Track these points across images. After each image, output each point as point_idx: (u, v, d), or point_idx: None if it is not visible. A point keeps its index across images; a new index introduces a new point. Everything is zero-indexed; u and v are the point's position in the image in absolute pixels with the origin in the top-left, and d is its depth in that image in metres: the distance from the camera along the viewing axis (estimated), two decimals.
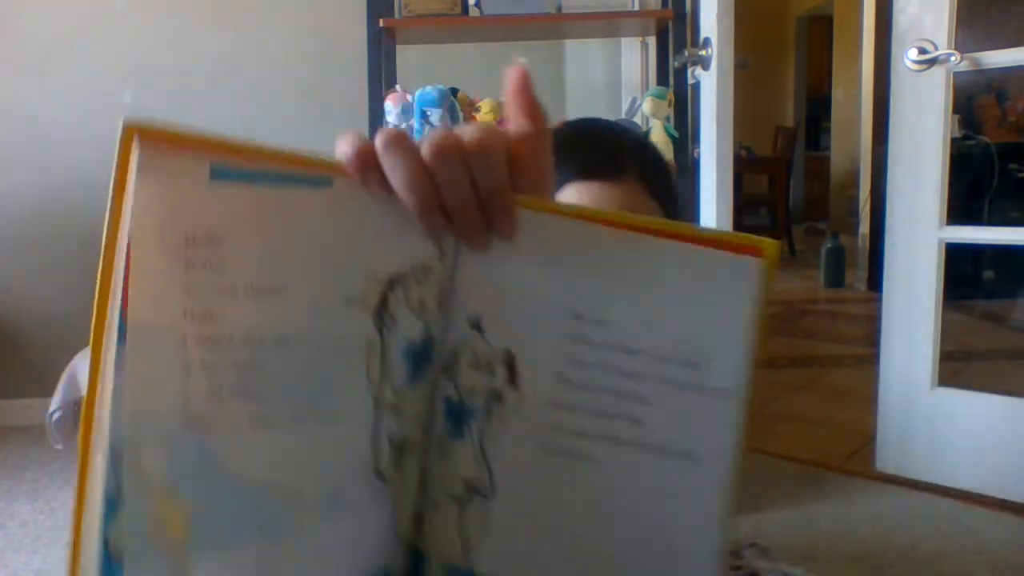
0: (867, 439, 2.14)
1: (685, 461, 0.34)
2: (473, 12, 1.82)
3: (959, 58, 1.76)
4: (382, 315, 0.32)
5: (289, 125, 2.55)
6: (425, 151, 0.32)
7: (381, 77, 1.83)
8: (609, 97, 2.49)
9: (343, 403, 0.32)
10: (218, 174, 0.30)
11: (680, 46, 1.80)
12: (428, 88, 1.75)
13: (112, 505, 0.30)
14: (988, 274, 4.19)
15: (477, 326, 0.34)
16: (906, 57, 1.82)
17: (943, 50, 1.78)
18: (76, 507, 0.31)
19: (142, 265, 0.29)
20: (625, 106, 2.01)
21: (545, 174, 0.36)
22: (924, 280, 1.88)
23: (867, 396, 2.15)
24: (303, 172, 0.31)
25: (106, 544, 0.30)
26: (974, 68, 1.81)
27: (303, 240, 0.31)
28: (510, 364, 0.34)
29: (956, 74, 1.81)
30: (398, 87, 1.81)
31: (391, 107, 1.75)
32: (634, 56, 2.41)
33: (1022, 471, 1.81)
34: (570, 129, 0.69)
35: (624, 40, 2.42)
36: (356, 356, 0.32)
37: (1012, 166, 3.74)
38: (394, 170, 0.32)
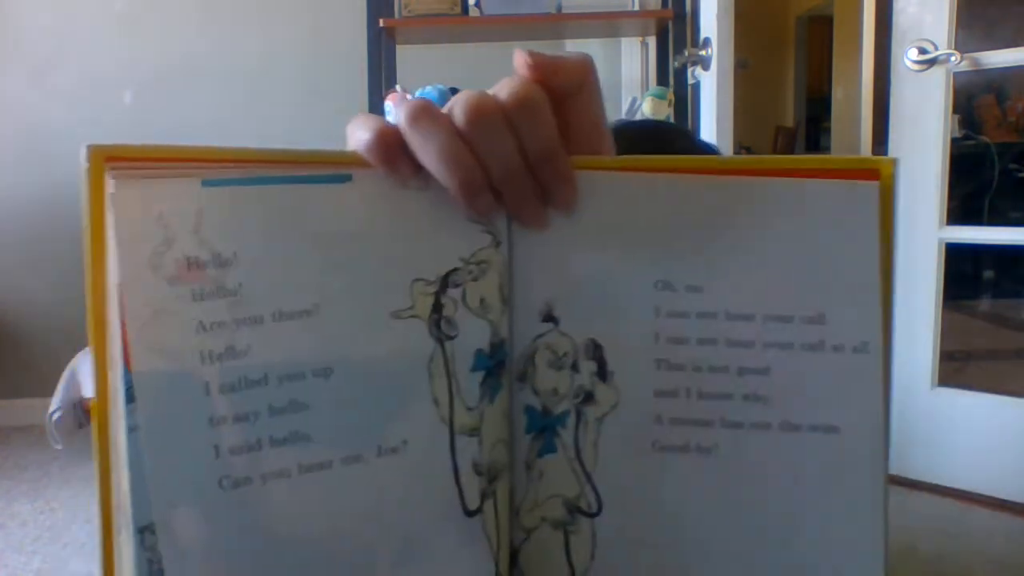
0: None
1: (827, 436, 0.28)
2: (473, 12, 1.82)
3: (959, 58, 1.76)
4: (439, 323, 0.28)
5: (289, 125, 2.55)
6: (459, 117, 0.27)
7: (381, 77, 1.83)
8: (609, 97, 2.49)
9: (407, 433, 0.28)
10: (212, 184, 0.25)
11: (680, 46, 1.80)
12: (428, 88, 1.74)
13: None
14: (988, 274, 4.19)
15: (551, 318, 0.29)
16: (906, 57, 1.82)
17: (943, 50, 1.78)
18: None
19: (139, 310, 0.24)
20: (625, 106, 2.01)
21: (600, 124, 0.30)
22: (924, 280, 1.88)
23: None
24: (313, 172, 0.27)
25: None
26: (974, 68, 1.81)
27: (328, 249, 0.26)
28: (597, 357, 0.29)
29: (956, 74, 1.81)
30: (398, 87, 1.81)
31: (391, 107, 1.75)
32: (634, 56, 2.41)
33: (1022, 471, 1.81)
34: (635, 129, 0.63)
35: (624, 40, 2.42)
36: (415, 376, 0.28)
37: (1012, 166, 3.74)
38: (426, 146, 0.27)
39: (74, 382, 2.27)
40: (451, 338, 0.28)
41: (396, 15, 1.81)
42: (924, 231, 1.87)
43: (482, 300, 0.28)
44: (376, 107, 1.80)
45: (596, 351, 0.29)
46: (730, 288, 0.28)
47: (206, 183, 0.25)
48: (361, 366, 0.27)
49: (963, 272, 3.97)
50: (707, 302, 0.28)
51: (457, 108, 0.27)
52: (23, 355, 2.63)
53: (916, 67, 1.82)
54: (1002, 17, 3.28)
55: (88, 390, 2.23)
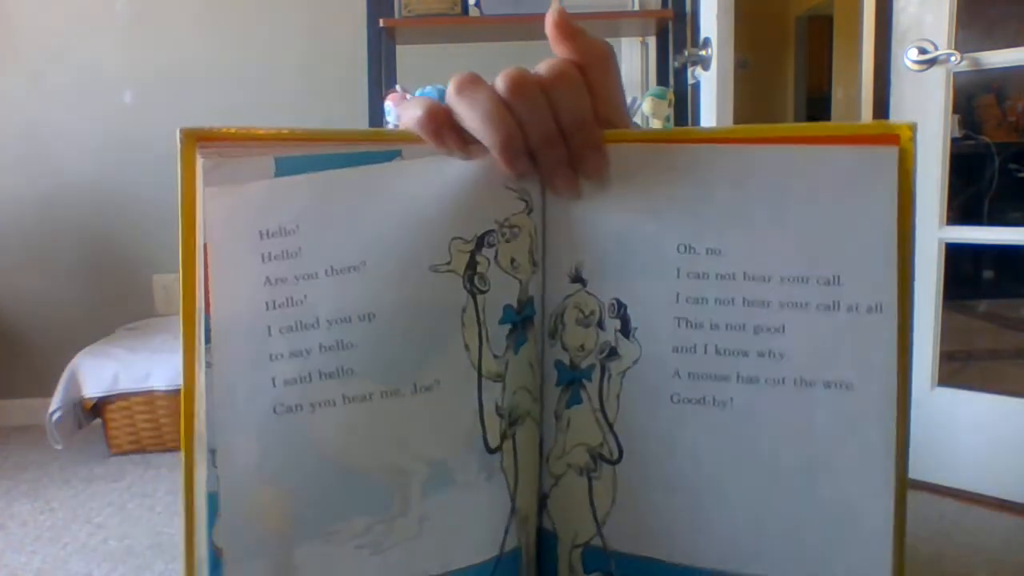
0: None
1: (840, 393, 0.29)
2: (473, 12, 1.82)
3: (959, 58, 1.76)
4: (472, 278, 0.31)
5: (289, 125, 2.54)
6: (501, 86, 0.30)
7: (381, 77, 1.83)
8: None
9: (440, 374, 0.31)
10: (283, 168, 0.30)
11: (680, 46, 1.80)
12: (428, 88, 1.74)
13: (215, 501, 0.29)
14: (988, 274, 4.19)
15: (579, 279, 0.32)
16: (906, 57, 1.82)
17: (943, 50, 1.78)
18: (185, 521, 0.30)
19: (220, 266, 0.29)
20: None
21: (621, 105, 0.33)
22: (924, 280, 1.88)
23: None
24: (368, 148, 0.31)
25: (213, 547, 0.29)
26: (974, 68, 1.81)
27: (377, 215, 0.30)
28: (621, 315, 0.31)
29: (956, 74, 1.81)
30: (398, 87, 1.81)
31: (391, 107, 1.75)
32: (634, 56, 2.41)
33: (1022, 471, 1.81)
34: None
35: (624, 40, 2.42)
36: (449, 324, 0.31)
37: (1012, 166, 3.74)
38: (472, 108, 0.30)
39: (74, 382, 2.27)
40: (483, 292, 0.31)
41: (396, 15, 1.81)
42: (924, 231, 1.87)
43: (513, 260, 0.31)
44: (376, 107, 1.80)
45: (620, 310, 0.31)
46: (749, 251, 0.30)
47: (277, 163, 0.30)
48: (401, 312, 0.30)
49: (963, 272, 3.97)
50: (726, 264, 0.30)
51: (500, 79, 0.30)
52: (23, 355, 2.63)
53: (916, 67, 1.82)
54: (1002, 17, 3.28)
55: (88, 390, 2.24)
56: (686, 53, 1.75)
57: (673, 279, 0.30)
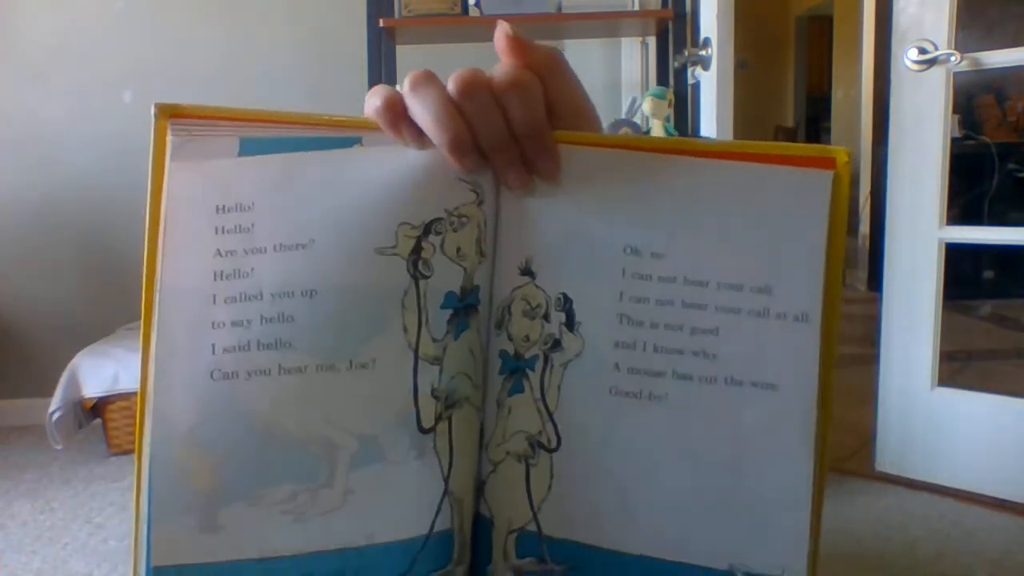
0: (867, 439, 2.14)
1: (766, 393, 0.32)
2: (473, 12, 1.82)
3: (959, 58, 1.76)
4: (416, 263, 0.32)
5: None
6: (452, 87, 0.32)
7: (381, 77, 1.83)
8: (609, 97, 2.49)
9: (378, 352, 0.32)
10: (248, 149, 0.31)
11: (680, 46, 1.80)
12: None
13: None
14: (988, 274, 4.18)
15: (528, 272, 0.33)
16: (906, 57, 1.82)
17: (943, 50, 1.78)
18: (136, 479, 0.32)
19: (174, 236, 0.31)
20: (625, 106, 2.01)
21: (583, 107, 0.34)
22: (924, 280, 1.88)
23: (867, 396, 2.15)
24: (330, 133, 0.32)
25: (150, 501, 0.31)
26: (974, 68, 1.81)
27: (330, 197, 0.31)
28: (567, 309, 0.33)
29: (956, 74, 1.81)
30: (398, 87, 1.81)
31: None
32: (634, 56, 2.41)
33: (1022, 471, 1.81)
34: None
35: (624, 40, 2.42)
36: (390, 304, 0.32)
37: (1012, 166, 3.74)
38: (423, 108, 0.31)
39: (74, 382, 2.27)
40: (426, 277, 0.32)
41: (396, 15, 1.81)
42: (924, 231, 1.87)
43: (459, 249, 0.33)
44: None
45: (566, 304, 0.33)
46: (689, 257, 0.32)
47: (243, 142, 0.31)
48: (343, 291, 0.31)
49: (963, 272, 3.97)
50: (668, 267, 0.32)
51: (451, 80, 0.32)
52: (23, 355, 2.63)
53: (916, 67, 1.82)
54: (1002, 17, 3.28)
55: (88, 390, 2.24)
56: (686, 53, 1.75)
57: (618, 278, 0.32)
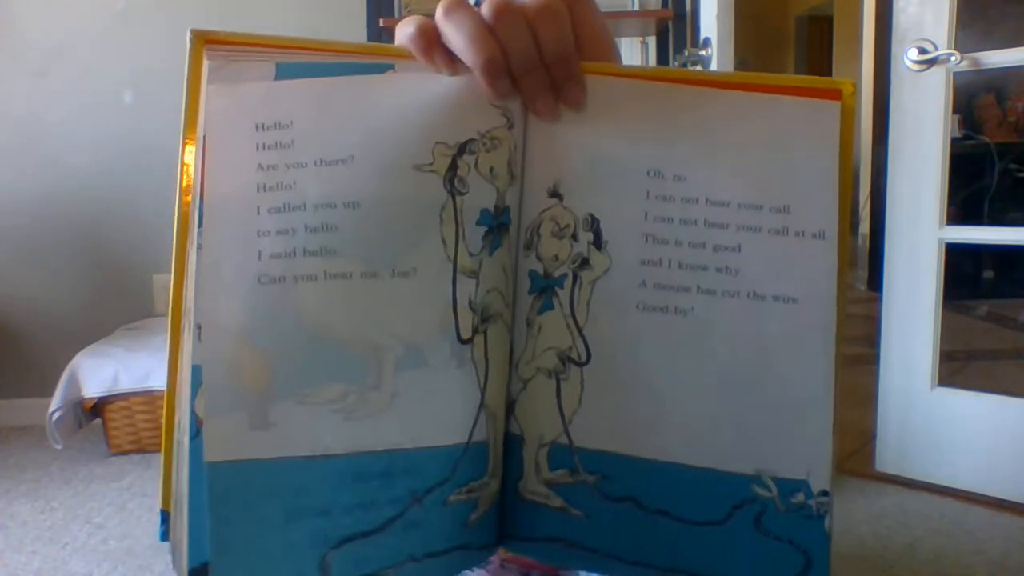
0: (867, 439, 2.14)
1: (787, 305, 0.34)
2: None
3: (959, 58, 1.76)
4: (452, 180, 0.33)
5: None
6: (486, 11, 0.32)
7: None
8: None
9: (418, 262, 0.33)
10: (283, 73, 0.32)
11: (680, 46, 1.80)
12: None
13: (199, 373, 0.31)
14: (988, 274, 4.18)
15: (556, 194, 0.34)
16: (906, 57, 1.82)
17: (943, 50, 1.78)
18: (167, 396, 0.33)
19: (216, 152, 0.31)
20: None
21: (604, 39, 0.36)
22: (924, 280, 1.88)
23: (867, 396, 2.15)
24: (364, 60, 0.33)
25: (194, 417, 0.31)
26: (974, 68, 1.81)
27: (367, 117, 0.32)
28: (594, 228, 0.34)
29: (956, 74, 1.81)
30: None
31: None
32: (634, 56, 2.41)
33: (1022, 471, 1.81)
34: None
35: (624, 40, 2.42)
36: (428, 217, 0.33)
37: (1012, 166, 3.74)
38: (457, 30, 0.32)
39: (74, 382, 2.27)
40: (462, 194, 0.33)
41: (396, 15, 1.81)
42: (924, 231, 1.87)
43: (491, 169, 0.34)
44: None
45: (594, 224, 0.34)
46: (710, 179, 0.34)
47: (279, 67, 0.32)
48: (384, 203, 0.32)
49: (963, 272, 3.97)
50: (690, 189, 0.34)
51: (486, 5, 0.32)
52: (23, 355, 2.63)
53: (916, 67, 1.82)
54: (1002, 17, 3.28)
55: (88, 390, 2.24)
56: (686, 53, 1.75)
57: (642, 200, 0.34)
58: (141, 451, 2.29)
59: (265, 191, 0.32)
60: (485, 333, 0.34)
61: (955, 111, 2.61)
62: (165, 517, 0.34)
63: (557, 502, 0.35)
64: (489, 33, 0.32)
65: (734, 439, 0.34)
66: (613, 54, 0.37)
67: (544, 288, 0.35)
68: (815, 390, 0.34)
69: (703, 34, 1.71)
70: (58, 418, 2.21)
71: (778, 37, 8.03)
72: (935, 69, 1.80)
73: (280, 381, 0.32)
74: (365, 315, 0.32)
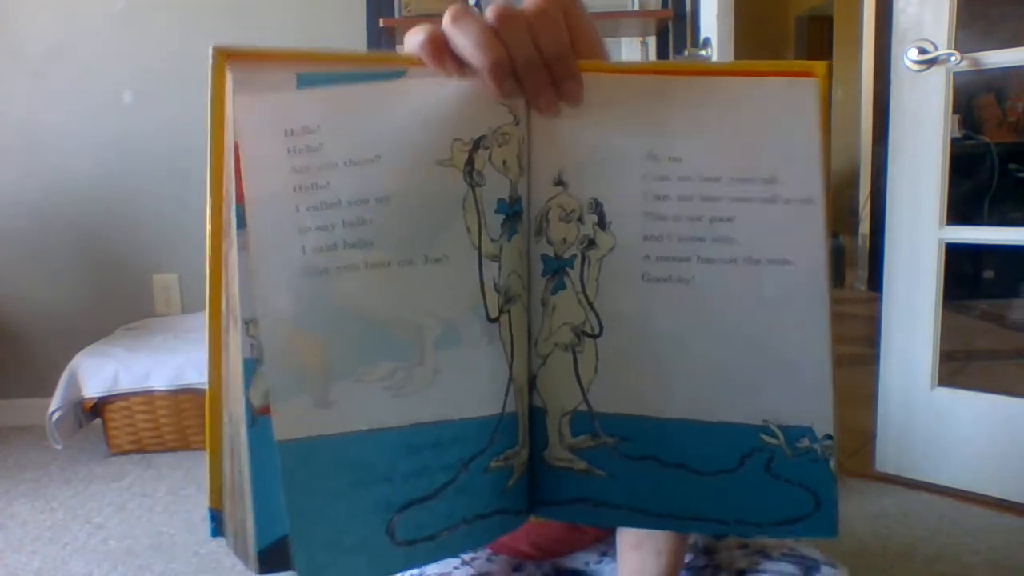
0: (867, 439, 2.14)
1: (781, 268, 0.36)
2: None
3: (959, 58, 1.76)
4: (471, 173, 0.36)
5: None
6: (490, 16, 0.35)
7: None
8: None
9: (447, 250, 0.36)
10: (304, 82, 0.34)
11: (680, 46, 1.80)
12: None
13: (251, 366, 0.34)
14: (988, 274, 4.18)
15: (561, 183, 0.38)
16: (906, 57, 1.82)
17: (943, 50, 1.78)
18: (211, 392, 0.36)
19: (251, 159, 0.33)
20: None
21: (594, 40, 0.38)
22: (924, 280, 1.88)
23: (867, 396, 2.15)
24: (377, 68, 0.36)
25: (250, 407, 0.34)
26: (974, 68, 1.81)
27: (388, 120, 0.35)
28: (598, 211, 0.37)
29: (956, 74, 1.81)
30: None
31: None
32: (634, 56, 2.41)
33: (1022, 471, 1.81)
34: None
35: (624, 40, 2.42)
36: (453, 208, 0.36)
37: (1012, 166, 3.74)
38: (465, 35, 0.35)
39: (74, 382, 2.27)
40: (480, 185, 0.36)
41: (396, 15, 1.81)
42: (924, 231, 1.87)
43: (504, 162, 0.37)
44: None
45: (597, 207, 0.37)
46: (702, 157, 0.37)
47: (299, 77, 0.34)
48: (412, 196, 0.35)
49: (963, 272, 3.97)
50: (684, 168, 0.37)
51: (489, 11, 0.35)
52: (23, 355, 2.63)
53: (916, 67, 1.82)
54: (1002, 17, 3.28)
55: (88, 390, 2.24)
56: (686, 53, 1.75)
57: (641, 181, 0.37)
58: (141, 451, 2.29)
59: (301, 191, 0.34)
60: (509, 312, 0.37)
61: (955, 111, 2.61)
62: (215, 514, 0.36)
63: (581, 465, 0.38)
64: (494, 37, 0.35)
65: (741, 393, 0.37)
66: (603, 52, 0.39)
67: (556, 269, 0.38)
68: (813, 343, 0.36)
69: (703, 34, 1.71)
70: (58, 418, 2.21)
71: (778, 37, 8.03)
72: (935, 69, 1.80)
73: (336, 363, 0.34)
74: (404, 299, 0.36)
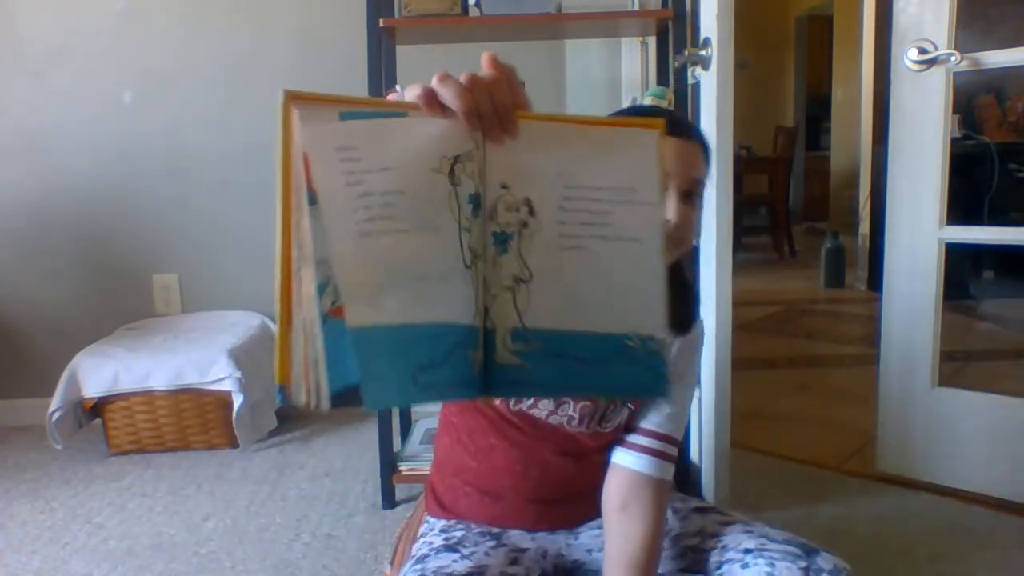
0: (867, 439, 2.14)
1: (635, 243, 0.60)
2: (473, 12, 1.82)
3: (959, 58, 1.76)
4: (452, 178, 0.55)
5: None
6: (463, 80, 0.54)
7: (381, 77, 1.83)
8: (609, 97, 2.49)
9: (440, 223, 0.56)
10: (345, 116, 0.52)
11: (680, 46, 1.80)
12: None
13: (323, 287, 0.51)
14: (988, 274, 4.19)
15: (505, 186, 0.58)
16: (906, 57, 1.82)
17: (943, 50, 1.78)
18: (281, 320, 0.51)
19: (316, 165, 0.50)
20: (625, 106, 2.01)
21: (525, 99, 0.58)
22: (924, 280, 1.88)
23: (867, 396, 2.15)
24: (390, 110, 0.56)
25: (323, 317, 0.52)
26: (974, 68, 1.81)
27: (397, 143, 0.54)
28: (529, 205, 0.59)
29: (956, 74, 1.81)
30: (398, 87, 1.81)
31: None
32: (634, 56, 2.41)
33: (1022, 471, 1.81)
34: (649, 107, 1.07)
35: (624, 40, 2.42)
36: (444, 198, 0.56)
37: (1012, 166, 3.74)
38: (448, 91, 0.54)
39: (74, 382, 2.27)
40: (458, 185, 0.56)
41: (396, 15, 1.81)
42: (924, 231, 1.87)
43: (471, 171, 0.56)
44: None
45: (528, 203, 0.58)
46: (590, 175, 0.59)
47: (341, 114, 0.52)
48: (417, 190, 0.54)
49: (963, 272, 3.97)
50: (579, 181, 0.59)
51: (462, 76, 0.55)
52: (23, 355, 2.63)
53: (916, 67, 1.82)
54: (1002, 17, 3.28)
55: (88, 390, 2.24)
56: (686, 53, 1.75)
57: (553, 188, 0.59)
58: (141, 451, 2.29)
59: (350, 186, 0.52)
60: (475, 266, 0.58)
61: (955, 111, 2.61)
62: (281, 388, 0.52)
63: (516, 361, 0.60)
64: (467, 93, 0.54)
65: (614, 314, 0.60)
66: (529, 106, 0.59)
67: (503, 240, 0.59)
68: (654, 285, 0.60)
69: (703, 34, 1.71)
70: (58, 418, 2.21)
71: (778, 37, 8.03)
72: (935, 69, 1.80)
73: (384, 284, 0.54)
74: (419, 251, 0.55)
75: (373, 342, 0.53)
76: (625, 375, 0.61)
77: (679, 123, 0.93)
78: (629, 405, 0.94)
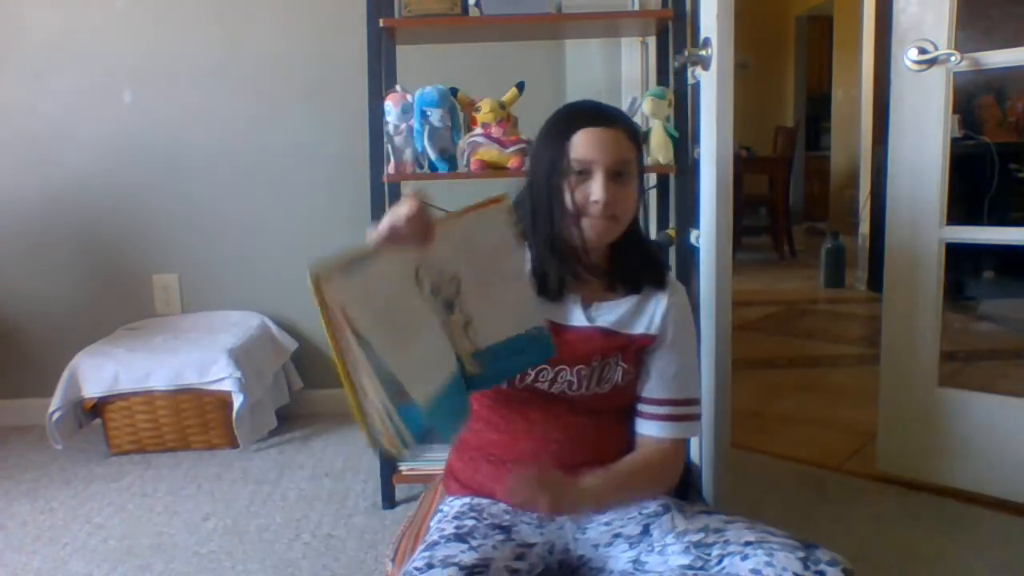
0: (867, 439, 2.14)
1: (517, 273, 0.93)
2: (473, 12, 1.82)
3: (959, 58, 1.76)
4: (417, 275, 0.82)
5: (289, 125, 2.55)
6: (392, 222, 0.78)
7: (381, 77, 1.83)
8: (609, 97, 2.49)
9: (426, 311, 0.83)
10: (347, 273, 0.73)
11: (680, 46, 1.80)
12: (428, 88, 1.74)
13: (393, 387, 0.75)
14: (988, 274, 4.18)
15: (441, 272, 0.84)
16: (906, 57, 1.82)
17: (943, 50, 1.78)
18: (354, 404, 0.72)
19: (351, 310, 0.73)
20: (625, 106, 2.01)
21: (429, 218, 0.79)
22: (924, 280, 1.88)
23: (867, 396, 2.15)
24: (376, 251, 0.77)
25: (396, 403, 0.74)
26: (974, 68, 1.81)
27: (385, 269, 0.78)
28: (457, 278, 0.85)
29: (956, 74, 1.81)
30: (398, 87, 1.81)
31: (391, 107, 1.75)
32: (634, 56, 2.41)
33: (1022, 471, 1.81)
34: (581, 101, 1.10)
35: (624, 40, 2.42)
36: (418, 290, 0.82)
37: (1012, 166, 3.74)
38: (396, 231, 0.77)
39: (74, 382, 2.27)
40: (422, 281, 0.83)
41: (396, 15, 1.81)
42: (924, 231, 1.87)
43: (424, 272, 0.83)
44: (376, 107, 1.80)
45: (456, 276, 0.85)
46: (483, 247, 0.88)
47: (348, 268, 0.73)
48: (405, 290, 0.82)
49: (963, 272, 3.97)
50: (480, 252, 0.87)
51: (386, 220, 0.79)
52: (23, 355, 2.63)
53: (916, 67, 1.82)
54: (1002, 17, 3.28)
55: (88, 390, 2.24)
56: (686, 53, 1.75)
57: (467, 262, 0.86)
58: (141, 451, 2.29)
59: (377, 314, 0.76)
60: (448, 318, 0.86)
61: (955, 111, 2.61)
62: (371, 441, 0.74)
63: (479, 370, 0.89)
64: (402, 229, 0.78)
65: (516, 322, 0.91)
66: (431, 218, 0.81)
67: (450, 305, 0.86)
68: (530, 296, 0.95)
69: (703, 34, 1.71)
70: (58, 418, 2.21)
71: (778, 37, 8.03)
72: (935, 69, 1.80)
73: (419, 365, 0.81)
74: (429, 339, 0.84)
75: (434, 403, 0.80)
76: (535, 351, 0.92)
77: (600, 115, 1.03)
78: (623, 364, 1.04)
